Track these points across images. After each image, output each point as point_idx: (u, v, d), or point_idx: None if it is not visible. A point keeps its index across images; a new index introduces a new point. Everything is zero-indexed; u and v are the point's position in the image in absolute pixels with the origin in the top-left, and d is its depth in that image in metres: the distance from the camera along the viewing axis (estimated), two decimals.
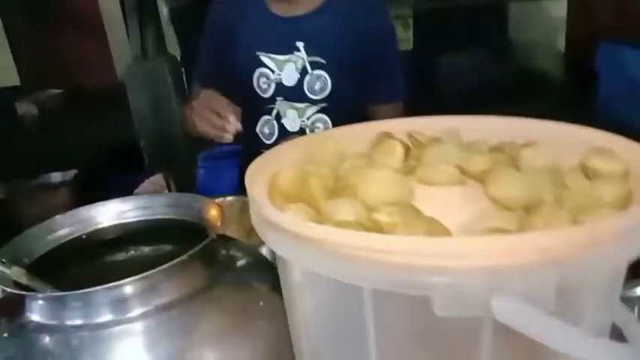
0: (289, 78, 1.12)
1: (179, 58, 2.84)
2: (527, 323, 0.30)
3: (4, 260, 0.48)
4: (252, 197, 0.42)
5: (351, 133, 0.57)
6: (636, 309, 0.61)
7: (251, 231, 0.90)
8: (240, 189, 1.11)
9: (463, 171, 0.44)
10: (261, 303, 0.52)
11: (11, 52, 4.18)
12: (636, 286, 0.60)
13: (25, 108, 3.86)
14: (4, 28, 4.08)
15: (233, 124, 0.92)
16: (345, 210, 0.41)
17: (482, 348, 0.35)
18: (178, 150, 2.44)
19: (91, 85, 3.73)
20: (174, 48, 2.97)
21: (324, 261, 0.35)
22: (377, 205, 0.40)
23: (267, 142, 1.18)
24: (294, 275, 0.42)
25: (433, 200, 0.42)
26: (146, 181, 1.15)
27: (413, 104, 1.16)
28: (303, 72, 1.11)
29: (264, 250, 0.69)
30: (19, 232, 0.55)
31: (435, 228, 0.36)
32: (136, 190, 1.15)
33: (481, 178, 0.44)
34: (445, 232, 0.36)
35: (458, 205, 0.42)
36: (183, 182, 1.59)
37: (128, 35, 2.77)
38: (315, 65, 1.11)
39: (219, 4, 1.19)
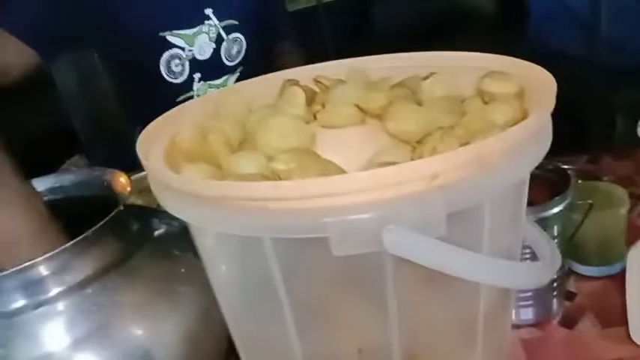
0: (203, 50, 1.04)
1: None
2: (420, 252, 0.31)
3: None
4: (145, 164, 0.40)
5: (258, 85, 0.56)
6: (555, 228, 0.63)
7: None
8: None
9: (363, 110, 0.43)
10: (183, 269, 0.51)
11: None
12: (555, 205, 0.62)
13: None
14: None
15: None
16: (247, 163, 0.40)
17: (387, 282, 0.35)
18: (112, 127, 2.35)
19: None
20: None
21: (222, 217, 0.34)
22: (276, 153, 0.39)
23: None
24: (204, 238, 0.41)
25: (334, 143, 0.42)
26: (66, 162, 1.09)
27: (345, 47, 1.13)
28: (219, 39, 1.05)
29: None
30: None
31: (330, 169, 0.35)
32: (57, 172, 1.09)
33: (380, 116, 0.43)
34: (340, 172, 0.35)
35: (358, 145, 0.42)
36: (121, 160, 1.54)
37: None
38: (229, 29, 1.05)
39: None
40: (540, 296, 0.65)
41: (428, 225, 0.31)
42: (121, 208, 0.48)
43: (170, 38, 1.01)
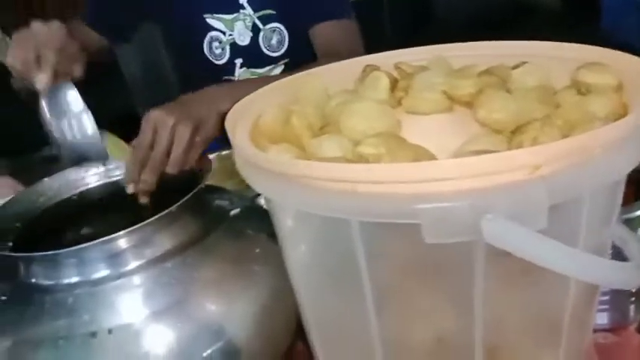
0: (242, 37, 1.04)
1: None
2: (519, 244, 0.30)
3: None
4: (233, 142, 0.40)
5: (337, 70, 0.55)
6: (639, 230, 0.60)
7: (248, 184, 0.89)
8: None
9: (450, 97, 0.42)
10: (258, 250, 0.51)
11: (1, 28, 4.12)
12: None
13: (20, 83, 3.83)
14: None
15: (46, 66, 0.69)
16: (330, 146, 0.40)
17: (476, 272, 0.34)
18: None
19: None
20: None
21: (309, 197, 0.34)
22: (362, 138, 0.39)
23: None
24: (285, 217, 0.41)
25: (420, 130, 0.41)
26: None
27: (408, 36, 1.10)
28: (255, 29, 1.05)
29: (262, 201, 0.69)
30: None
31: (421, 154, 0.34)
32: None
33: (469, 103, 0.42)
34: (431, 158, 0.34)
35: (446, 132, 0.41)
36: None
37: None
38: (265, 19, 1.05)
39: None
40: (617, 301, 0.62)
41: (528, 216, 0.29)
42: (203, 186, 0.49)
43: (210, 21, 1.02)
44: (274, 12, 1.01)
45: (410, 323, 0.39)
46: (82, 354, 0.42)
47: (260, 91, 0.50)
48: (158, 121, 0.62)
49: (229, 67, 1.05)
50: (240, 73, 1.05)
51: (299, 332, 0.53)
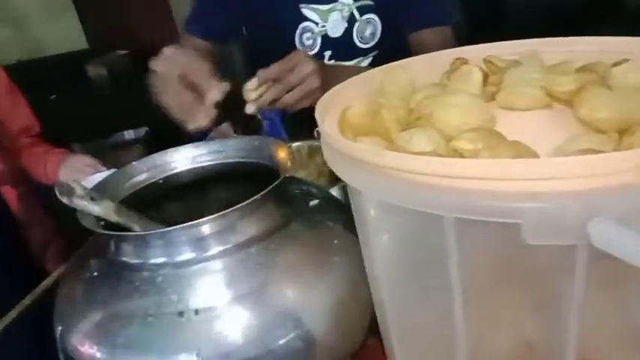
0: (335, 28, 1.04)
1: None
2: (629, 249, 0.28)
3: (94, 197, 0.49)
4: (324, 131, 0.41)
5: (422, 63, 0.54)
6: None
7: (319, 176, 0.90)
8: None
9: (548, 93, 0.41)
10: (336, 241, 0.51)
11: (78, 17, 4.32)
12: None
13: (95, 70, 4.00)
14: None
15: (208, 108, 0.69)
16: (421, 140, 0.39)
17: (575, 278, 0.33)
18: (242, 100, 2.46)
19: (154, 43, 3.81)
20: None
21: (403, 191, 0.33)
22: (456, 132, 0.38)
23: None
24: (370, 209, 0.41)
25: (517, 126, 0.39)
26: (215, 129, 1.16)
27: (482, 32, 1.07)
28: (351, 19, 1.04)
29: (334, 192, 0.69)
30: None
31: (522, 152, 0.33)
32: (206, 139, 1.16)
33: (569, 100, 0.40)
34: (533, 155, 0.33)
35: (544, 129, 0.39)
36: (248, 133, 1.61)
37: None
38: (363, 10, 1.04)
39: None
40: None
41: (638, 221, 0.28)
42: (286, 175, 0.50)
43: (305, 11, 1.02)
44: (372, 3, 1.01)
45: (498, 327, 0.38)
46: (170, 332, 0.43)
47: (347, 82, 0.50)
48: (302, 61, 0.71)
49: (318, 58, 1.05)
50: (327, 62, 1.06)
51: (372, 329, 0.53)
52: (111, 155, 2.55)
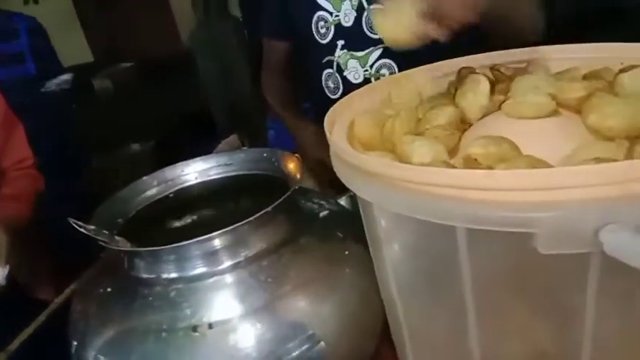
0: (347, 17, 1.06)
1: (241, 19, 2.84)
2: None
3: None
4: (334, 143, 0.41)
5: (429, 73, 0.55)
6: None
7: (325, 184, 0.90)
8: None
9: (556, 100, 0.41)
10: (347, 252, 0.52)
11: (83, 31, 4.35)
12: None
13: (101, 83, 4.03)
14: (75, 8, 4.24)
15: None
16: (421, 147, 0.40)
17: (588, 287, 0.33)
18: (248, 112, 2.47)
19: (159, 55, 3.83)
20: (235, 9, 2.96)
21: (414, 202, 0.34)
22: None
23: (333, 96, 1.14)
24: (381, 220, 0.41)
25: (525, 135, 0.39)
26: (222, 142, 1.17)
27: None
28: (360, 8, 1.06)
29: (343, 201, 0.69)
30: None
31: (536, 163, 0.33)
32: (214, 151, 1.17)
33: (577, 108, 0.40)
34: (546, 166, 0.33)
35: (553, 137, 0.39)
36: (255, 144, 1.62)
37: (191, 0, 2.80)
38: None
39: None
40: None
41: None
42: (296, 188, 0.50)
43: (320, 1, 1.05)
44: None
45: (511, 336, 0.38)
46: (184, 346, 0.43)
47: (355, 93, 0.50)
48: None
49: (331, 47, 1.07)
50: (340, 54, 1.07)
51: (383, 338, 0.53)
52: (119, 167, 2.56)
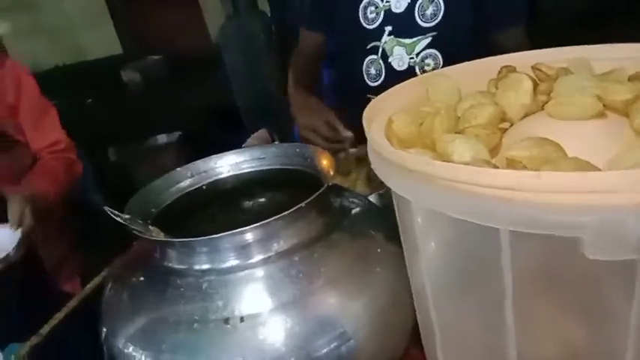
0: (398, 3, 1.06)
1: (269, 14, 2.85)
2: None
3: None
4: (372, 139, 0.41)
5: (467, 71, 0.54)
6: None
7: (356, 180, 0.90)
8: None
9: (602, 102, 0.40)
10: (379, 250, 0.51)
11: (113, 23, 4.42)
12: None
13: (129, 75, 4.09)
14: (106, 1, 4.30)
15: (348, 136, 0.91)
16: (467, 149, 0.39)
17: (635, 294, 0.32)
18: (275, 106, 2.48)
19: (187, 49, 3.87)
20: (263, 4, 2.97)
21: (456, 202, 0.33)
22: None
23: (373, 83, 1.12)
24: (417, 217, 0.41)
25: (569, 137, 0.38)
26: (251, 136, 1.17)
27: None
28: None
29: (372, 199, 0.69)
30: (132, 190, 0.57)
31: (581, 165, 0.32)
32: (243, 145, 1.17)
33: (622, 110, 0.39)
34: (593, 168, 0.32)
35: (598, 140, 0.38)
36: (283, 139, 1.62)
37: None
38: None
39: None
40: None
41: None
42: (329, 184, 0.50)
43: None
44: None
45: (548, 339, 0.37)
46: (216, 338, 0.44)
47: (393, 89, 0.50)
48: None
49: (378, 33, 1.07)
50: (386, 40, 1.07)
51: (412, 340, 0.53)
52: (145, 158, 2.59)
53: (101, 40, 4.33)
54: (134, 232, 0.50)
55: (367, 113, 0.44)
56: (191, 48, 3.84)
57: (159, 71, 4.09)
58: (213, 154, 0.63)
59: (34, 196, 0.90)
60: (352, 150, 0.88)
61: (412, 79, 0.52)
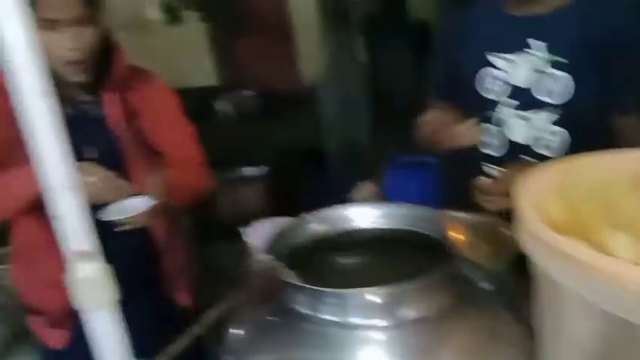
0: (519, 77, 1.04)
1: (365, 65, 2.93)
2: None
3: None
4: (526, 219, 0.41)
5: (613, 159, 0.54)
6: None
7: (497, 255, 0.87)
8: (432, 202, 1.04)
9: None
10: (507, 328, 0.50)
11: (212, 56, 4.67)
12: None
13: (222, 106, 4.28)
14: (209, 33, 4.57)
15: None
16: (622, 242, 0.39)
17: None
18: (362, 156, 2.52)
19: (280, 88, 4.01)
20: (361, 55, 3.06)
21: (627, 302, 0.33)
22: None
23: (485, 151, 1.12)
24: (571, 305, 0.41)
25: None
26: (357, 185, 1.20)
27: None
28: (538, 71, 1.04)
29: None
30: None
31: None
32: (351, 195, 1.20)
33: None
34: None
35: None
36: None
37: (321, 42, 2.94)
38: (554, 64, 1.03)
39: (452, 15, 1.19)
40: None
41: None
42: (461, 255, 0.50)
43: (490, 58, 1.05)
44: (566, 60, 1.01)
45: None
46: None
47: (539, 170, 0.50)
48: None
49: (493, 103, 1.06)
50: (503, 110, 1.06)
51: None
52: (234, 188, 2.67)
53: (197, 70, 4.58)
54: (269, 272, 0.52)
55: (518, 192, 0.44)
56: (284, 88, 3.99)
57: (251, 106, 4.25)
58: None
59: (167, 189, 0.96)
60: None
61: (558, 160, 0.53)
